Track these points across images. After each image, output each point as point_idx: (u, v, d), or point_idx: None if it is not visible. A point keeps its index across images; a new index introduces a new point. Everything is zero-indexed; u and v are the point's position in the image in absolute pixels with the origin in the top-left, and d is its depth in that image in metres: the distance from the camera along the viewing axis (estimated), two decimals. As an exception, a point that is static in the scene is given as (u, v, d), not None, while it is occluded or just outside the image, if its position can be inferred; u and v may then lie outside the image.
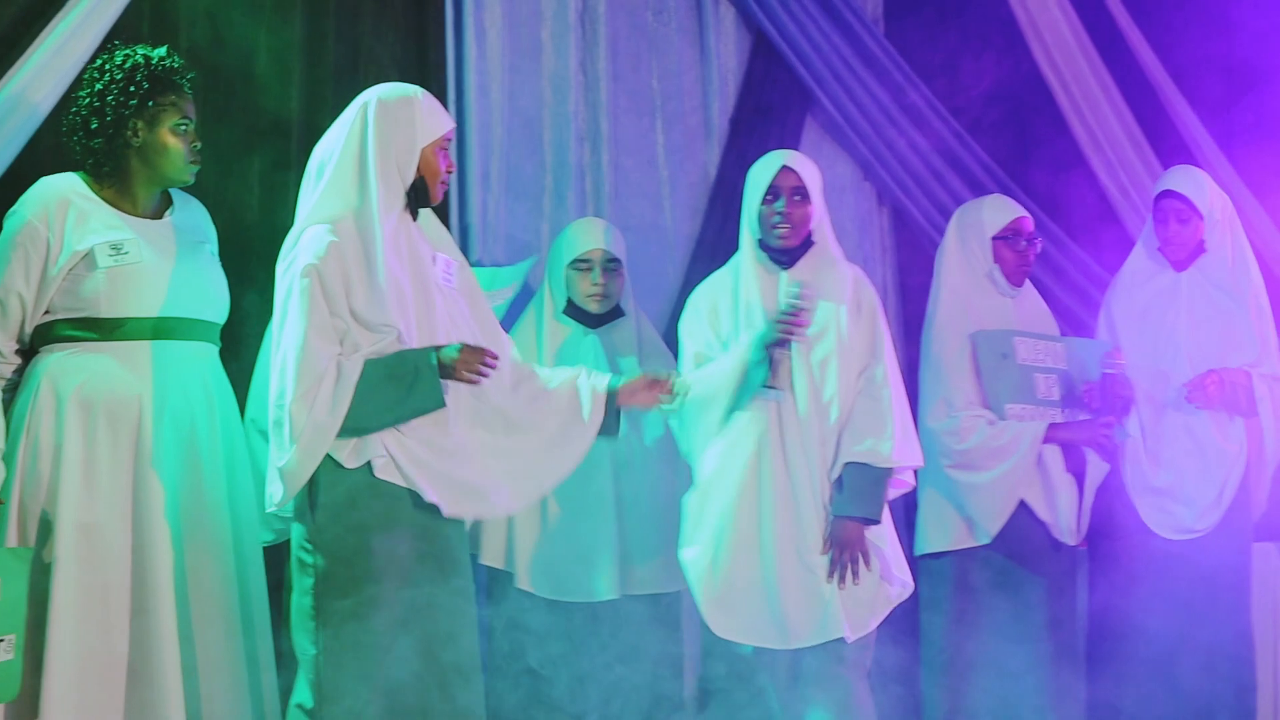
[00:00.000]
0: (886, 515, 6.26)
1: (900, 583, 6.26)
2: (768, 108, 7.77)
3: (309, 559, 5.57)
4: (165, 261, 5.92)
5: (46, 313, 5.88)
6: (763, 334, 6.09)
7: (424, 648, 5.57)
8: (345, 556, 5.53)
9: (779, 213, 6.27)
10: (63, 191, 5.90)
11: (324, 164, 5.68)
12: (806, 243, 6.37)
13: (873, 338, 6.31)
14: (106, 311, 5.85)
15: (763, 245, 6.38)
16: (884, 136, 7.88)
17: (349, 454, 5.54)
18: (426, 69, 7.18)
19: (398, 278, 5.55)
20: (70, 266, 5.83)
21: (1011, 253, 6.90)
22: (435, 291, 5.65)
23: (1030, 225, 6.93)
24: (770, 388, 6.01)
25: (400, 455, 5.56)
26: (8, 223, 5.89)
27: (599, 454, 6.33)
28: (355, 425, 5.48)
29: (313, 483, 5.54)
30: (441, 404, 5.53)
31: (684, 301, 7.05)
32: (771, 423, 6.19)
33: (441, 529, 5.63)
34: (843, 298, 6.30)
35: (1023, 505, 6.79)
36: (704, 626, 6.24)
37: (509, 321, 6.79)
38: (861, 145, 7.87)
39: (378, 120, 5.64)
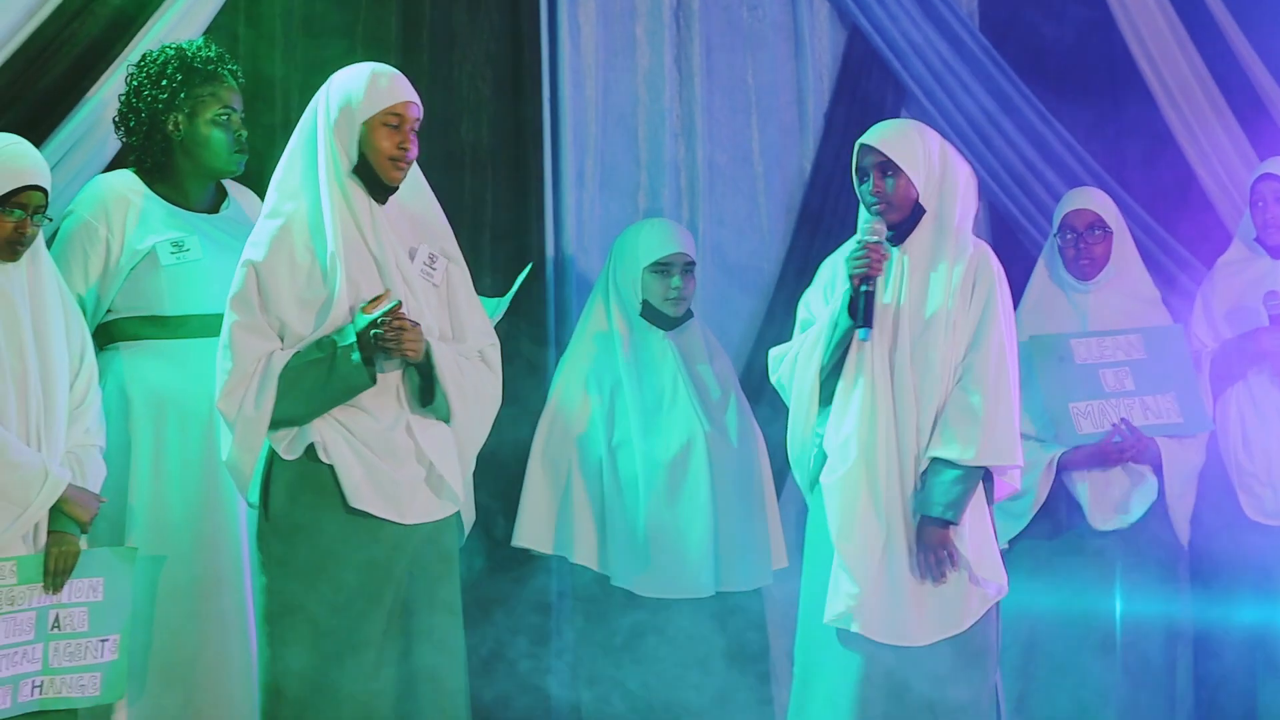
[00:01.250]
0: (981, 514, 5.83)
1: (995, 586, 5.85)
2: (863, 103, 7.64)
3: (260, 555, 5.47)
4: (225, 256, 5.80)
5: (110, 311, 5.85)
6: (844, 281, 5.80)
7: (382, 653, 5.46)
8: (290, 549, 5.41)
9: (870, 192, 5.86)
10: (119, 190, 5.88)
11: (289, 150, 5.54)
12: (915, 215, 5.90)
13: (978, 323, 5.85)
14: (170, 309, 5.84)
15: None
16: (979, 131, 7.75)
17: (286, 446, 5.40)
18: (521, 65, 7.11)
19: (349, 268, 5.38)
20: (132, 265, 5.77)
21: (1070, 248, 6.80)
22: (400, 283, 5.45)
23: (1087, 219, 6.80)
24: (857, 326, 5.71)
25: (329, 443, 5.41)
26: (65, 222, 5.88)
27: (696, 450, 6.36)
28: (285, 417, 5.38)
29: (265, 475, 5.48)
30: (369, 382, 5.38)
31: (778, 298, 7.19)
32: (881, 408, 5.78)
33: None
34: (952, 273, 5.87)
35: (1067, 494, 6.70)
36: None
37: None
38: (957, 140, 7.63)
39: (327, 99, 5.49)
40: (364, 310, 5.35)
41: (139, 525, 5.76)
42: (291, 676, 5.38)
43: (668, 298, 6.57)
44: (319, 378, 5.32)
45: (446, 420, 5.50)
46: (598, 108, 7.32)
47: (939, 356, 5.82)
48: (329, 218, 5.38)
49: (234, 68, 5.94)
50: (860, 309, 5.61)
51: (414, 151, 5.48)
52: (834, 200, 7.39)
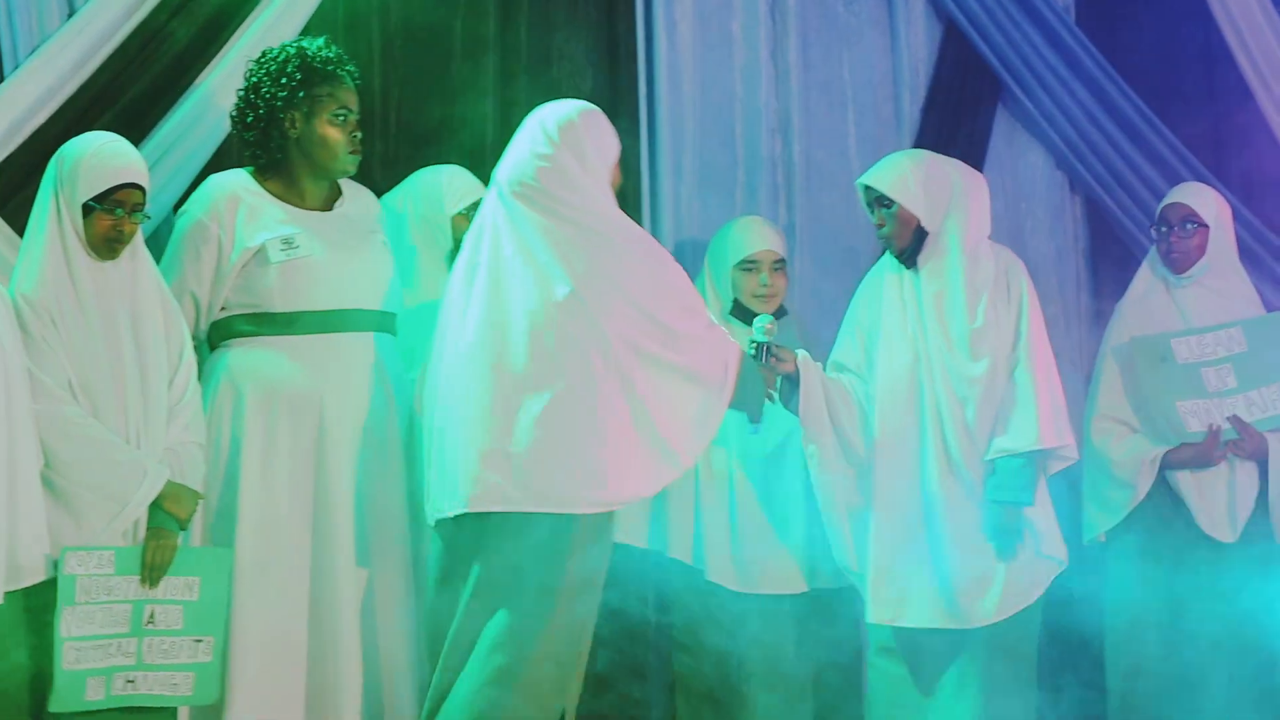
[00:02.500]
0: (1043, 491, 6.15)
1: (1057, 559, 6.15)
2: (958, 97, 7.54)
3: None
4: (337, 254, 5.82)
5: (222, 309, 5.82)
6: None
7: None
8: None
9: (875, 225, 6.29)
10: (231, 188, 5.82)
11: None
12: (921, 237, 6.19)
13: (1018, 321, 6.16)
14: (280, 306, 5.77)
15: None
16: (1076, 125, 7.58)
17: None
18: (617, 62, 7.04)
19: None
20: (243, 263, 5.76)
21: (1163, 242, 6.65)
22: None
23: (1181, 213, 6.64)
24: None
25: None
26: (179, 221, 5.85)
27: (792, 448, 6.26)
28: None
29: None
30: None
31: None
32: (929, 410, 6.13)
33: None
34: (979, 288, 6.14)
35: (1170, 491, 6.54)
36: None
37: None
38: (1053, 134, 7.60)
39: None
40: None
41: (248, 521, 5.69)
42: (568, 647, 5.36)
43: (756, 295, 6.45)
44: None
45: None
46: (694, 104, 7.23)
47: (973, 360, 6.11)
48: None
49: (352, 69, 5.88)
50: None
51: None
52: None
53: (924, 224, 6.16)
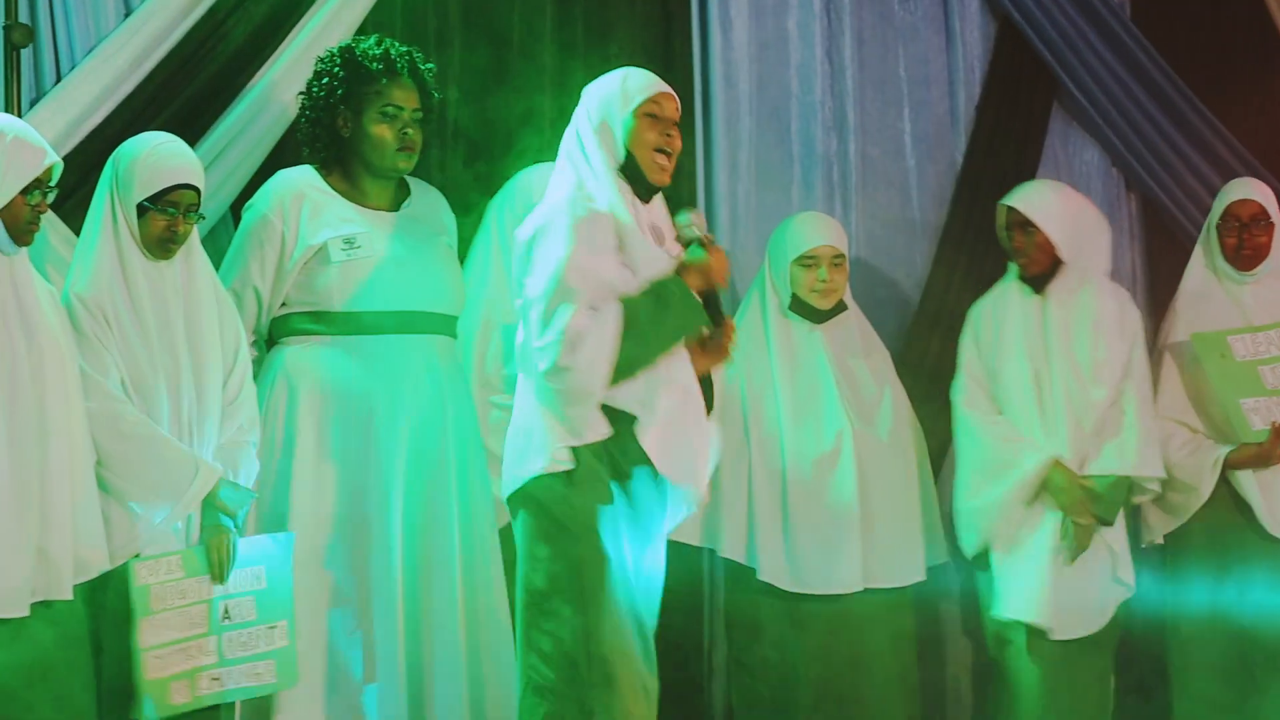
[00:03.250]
0: (1121, 519, 6.31)
1: (1128, 585, 6.32)
2: (1014, 95, 7.43)
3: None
4: (399, 254, 5.75)
5: (283, 305, 5.76)
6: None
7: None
8: None
9: (1013, 247, 6.38)
10: (297, 185, 5.77)
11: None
12: (1054, 265, 6.33)
13: (1129, 357, 6.34)
14: (340, 305, 5.70)
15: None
16: (1131, 122, 7.48)
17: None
18: (672, 59, 6.91)
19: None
20: (305, 260, 5.70)
21: (1232, 238, 6.52)
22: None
23: (1251, 209, 6.53)
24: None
25: None
26: (245, 216, 5.81)
27: (844, 445, 6.23)
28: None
29: None
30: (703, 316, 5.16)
31: (930, 291, 7.24)
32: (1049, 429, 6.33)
33: None
34: (1102, 321, 6.33)
35: (1232, 493, 6.43)
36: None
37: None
38: (1109, 131, 7.49)
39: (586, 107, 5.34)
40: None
41: (301, 519, 5.64)
42: (602, 640, 5.09)
43: (814, 290, 6.33)
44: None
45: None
46: (751, 101, 7.12)
47: (1096, 386, 6.28)
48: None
49: (408, 65, 5.80)
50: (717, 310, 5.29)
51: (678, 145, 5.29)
52: (985, 192, 7.08)
53: (1061, 253, 6.29)
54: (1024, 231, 6.33)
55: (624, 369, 5.06)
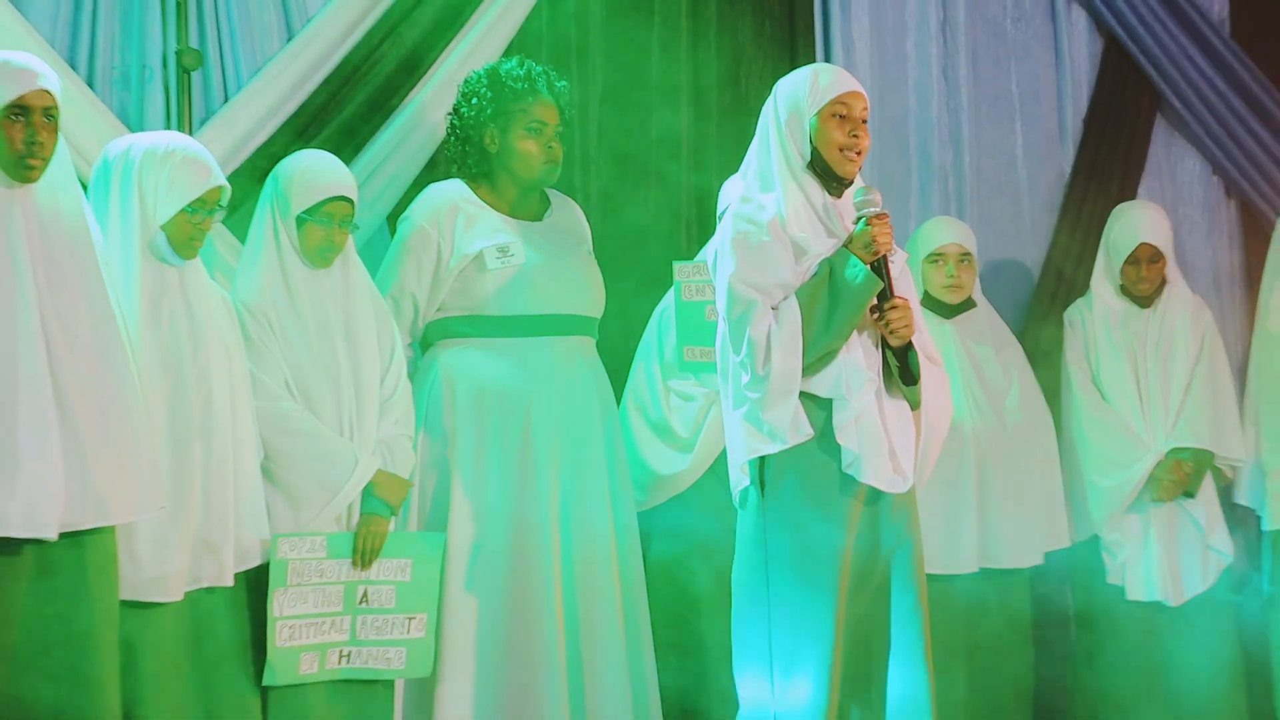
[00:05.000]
0: (1210, 494, 6.41)
1: (1223, 554, 6.37)
2: (1119, 108, 7.26)
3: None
4: (546, 261, 5.68)
5: (439, 310, 5.68)
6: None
7: None
8: None
9: (1141, 277, 6.48)
10: (451, 197, 5.71)
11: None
12: (1161, 287, 6.50)
13: (1200, 348, 6.49)
14: (494, 309, 5.63)
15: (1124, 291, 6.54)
16: (1230, 132, 7.25)
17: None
18: None
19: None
20: (461, 268, 5.62)
21: None
22: None
23: None
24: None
25: None
26: (401, 227, 5.73)
27: (964, 431, 6.18)
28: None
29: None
30: (877, 281, 4.80)
31: (1040, 292, 7.10)
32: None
33: None
34: (1184, 325, 6.49)
35: None
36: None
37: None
38: (1209, 141, 7.28)
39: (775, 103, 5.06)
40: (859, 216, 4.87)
41: (460, 509, 5.57)
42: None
43: (944, 286, 6.31)
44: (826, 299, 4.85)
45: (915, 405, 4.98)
46: (872, 117, 6.70)
47: (1184, 380, 6.46)
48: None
49: (547, 84, 5.72)
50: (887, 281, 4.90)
51: (866, 141, 4.99)
52: (1092, 201, 7.04)
53: (1169, 277, 6.50)
54: (1153, 262, 6.43)
55: (815, 354, 4.81)
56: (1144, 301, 6.45)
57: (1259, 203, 7.28)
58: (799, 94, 4.97)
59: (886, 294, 4.83)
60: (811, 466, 4.81)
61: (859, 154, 4.94)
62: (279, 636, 5.16)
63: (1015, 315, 6.97)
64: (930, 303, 6.28)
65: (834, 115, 4.92)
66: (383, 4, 6.06)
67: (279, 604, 5.16)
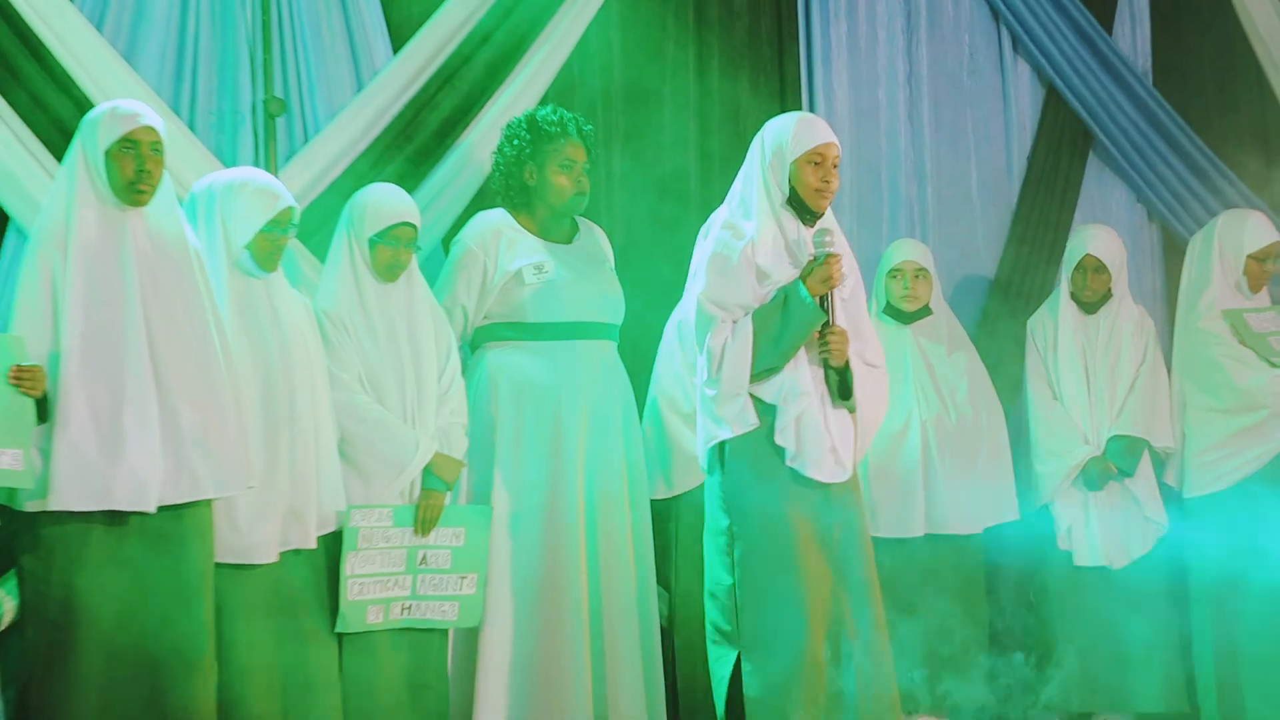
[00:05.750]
0: (1148, 472, 6.51)
1: (1158, 523, 6.48)
2: (1057, 147, 7.43)
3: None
4: (576, 277, 5.83)
5: (485, 318, 5.82)
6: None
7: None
8: None
9: (1085, 285, 6.57)
10: (495, 224, 5.85)
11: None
12: (1106, 296, 6.60)
13: (1144, 353, 6.56)
14: (533, 317, 5.78)
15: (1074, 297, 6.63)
16: (1153, 167, 7.50)
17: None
18: None
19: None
20: (504, 283, 5.76)
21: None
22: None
23: None
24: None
25: None
26: (453, 249, 5.88)
27: (911, 423, 6.34)
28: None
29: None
30: (821, 315, 5.12)
31: (990, 303, 7.21)
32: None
33: None
34: (1128, 330, 6.56)
35: None
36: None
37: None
38: (1135, 174, 7.52)
39: (762, 143, 5.33)
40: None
41: (501, 488, 5.73)
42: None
43: (901, 296, 6.47)
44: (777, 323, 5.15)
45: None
46: (849, 154, 7.04)
47: (1121, 381, 6.55)
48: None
49: (576, 128, 5.86)
50: (830, 313, 5.22)
51: (835, 183, 5.25)
52: (1034, 226, 7.26)
53: (1115, 289, 6.58)
54: (1097, 272, 6.52)
55: (762, 367, 5.12)
56: (1090, 308, 6.55)
57: (1177, 227, 7.47)
58: (783, 140, 5.22)
59: (829, 324, 5.14)
60: (762, 454, 5.15)
61: (830, 193, 5.22)
62: (350, 591, 5.34)
63: (972, 321, 7.06)
64: (891, 311, 6.47)
65: (810, 162, 5.19)
66: (440, 58, 6.14)
67: (350, 564, 5.33)
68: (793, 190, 5.21)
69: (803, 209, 5.23)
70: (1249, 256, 6.57)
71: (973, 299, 7.24)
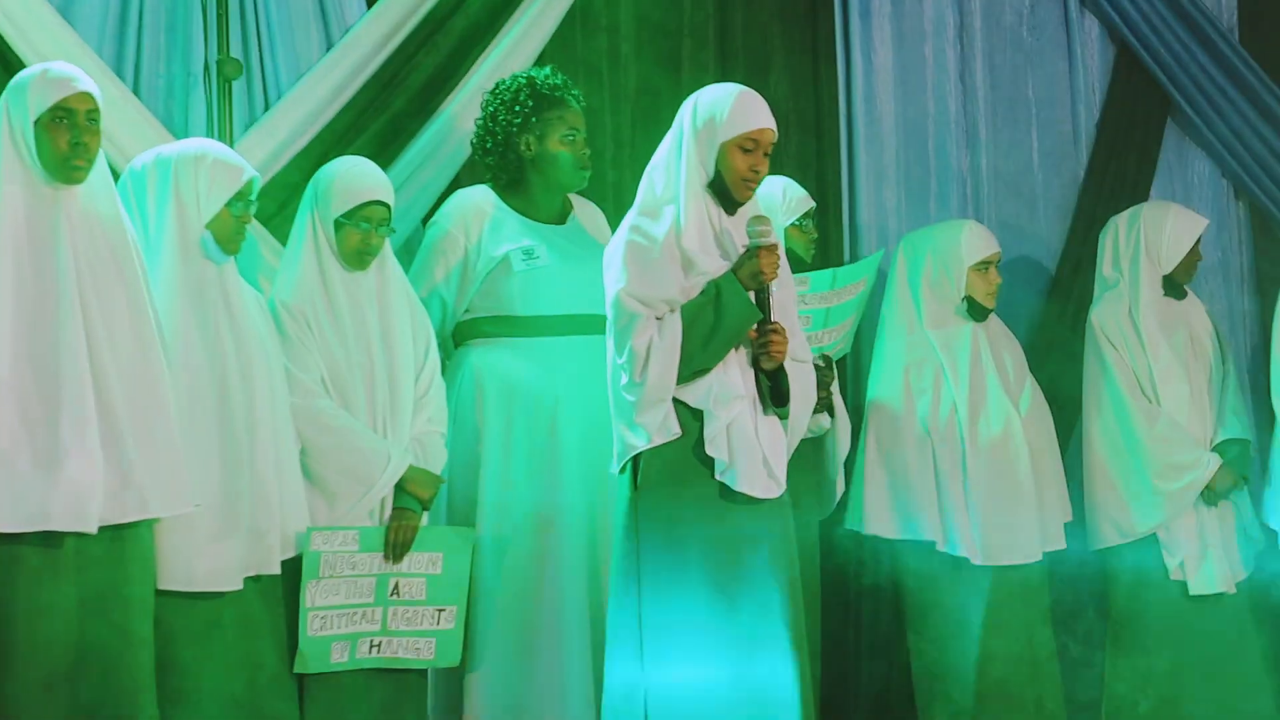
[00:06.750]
0: None
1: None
2: (1131, 114, 7.10)
3: None
4: (569, 263, 5.57)
5: (468, 311, 5.59)
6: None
7: None
8: None
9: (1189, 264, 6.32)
10: (477, 202, 5.62)
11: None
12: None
13: (1220, 338, 6.43)
14: (521, 310, 5.53)
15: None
16: (1240, 136, 7.10)
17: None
18: (820, 83, 6.72)
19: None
20: (488, 270, 5.53)
21: None
22: None
23: None
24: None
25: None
26: (429, 232, 5.66)
27: (1012, 428, 6.07)
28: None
29: None
30: (756, 312, 4.86)
31: (1053, 294, 6.91)
32: None
33: None
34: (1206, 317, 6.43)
35: None
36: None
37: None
38: (1219, 144, 7.13)
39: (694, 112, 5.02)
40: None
41: (488, 506, 5.48)
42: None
43: (989, 292, 6.13)
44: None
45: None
46: (894, 120, 6.87)
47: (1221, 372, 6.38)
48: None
49: (577, 93, 5.62)
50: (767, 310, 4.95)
51: (764, 170, 5.00)
52: (1105, 204, 6.86)
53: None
54: (1192, 254, 6.26)
55: (691, 369, 4.86)
56: (1180, 293, 6.32)
57: (1266, 203, 7.11)
58: (716, 118, 4.96)
59: (766, 321, 4.88)
60: (684, 467, 4.87)
61: (757, 183, 4.98)
62: (310, 626, 5.07)
63: (1028, 315, 6.83)
64: (971, 308, 6.10)
65: (742, 146, 4.93)
66: (419, 13, 5.94)
67: (311, 595, 5.06)
68: (718, 173, 4.96)
69: (726, 196, 4.98)
70: None
71: (1033, 289, 6.97)
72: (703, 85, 6.02)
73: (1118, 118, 7.07)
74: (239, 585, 4.88)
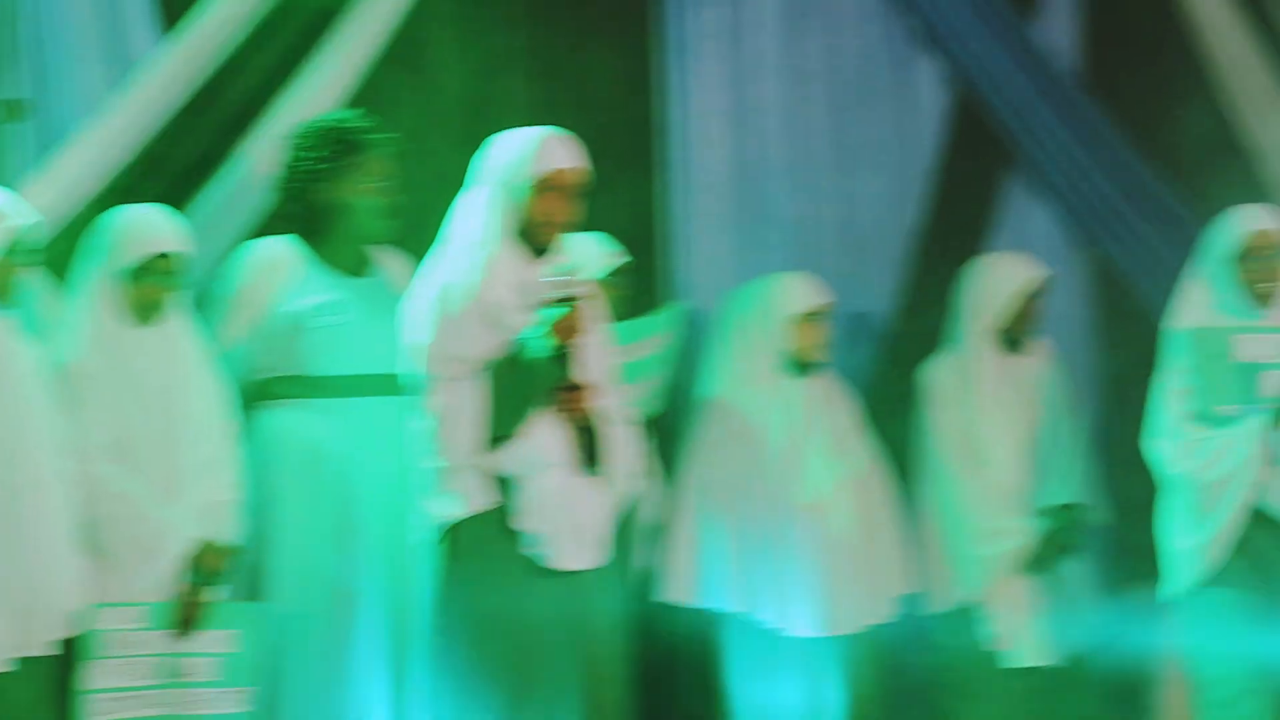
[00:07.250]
0: None
1: None
2: (967, 161, 7.03)
3: None
4: (369, 319, 5.36)
5: (264, 370, 5.38)
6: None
7: None
8: None
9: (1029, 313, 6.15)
10: (272, 254, 5.41)
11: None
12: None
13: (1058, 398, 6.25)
14: (314, 369, 5.33)
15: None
16: (1077, 187, 7.03)
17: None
18: (651, 126, 6.69)
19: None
20: (280, 327, 5.32)
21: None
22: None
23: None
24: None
25: None
26: (225, 285, 5.43)
27: (840, 491, 5.96)
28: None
29: None
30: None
31: (891, 350, 6.80)
32: None
33: None
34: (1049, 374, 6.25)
35: None
36: None
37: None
38: (1058, 194, 7.07)
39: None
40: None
41: (282, 577, 5.29)
42: None
43: (817, 345, 5.95)
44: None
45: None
46: (727, 165, 6.75)
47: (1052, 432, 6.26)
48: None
49: (384, 136, 5.40)
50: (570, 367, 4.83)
51: (571, 214, 4.85)
52: (938, 253, 6.77)
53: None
54: (1035, 300, 6.09)
55: (497, 432, 4.72)
56: (1019, 348, 6.12)
57: (1108, 254, 7.03)
58: (517, 160, 4.81)
59: (568, 381, 4.73)
60: (495, 539, 4.72)
61: (563, 228, 4.84)
62: (91, 710, 4.84)
63: (859, 370, 6.67)
64: (795, 363, 5.91)
65: (546, 188, 4.78)
66: (216, 54, 5.70)
67: (90, 678, 4.85)
68: (526, 218, 4.83)
69: (533, 244, 4.83)
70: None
71: (870, 342, 6.84)
72: (525, 125, 5.90)
73: (953, 165, 6.99)
74: (6, 667, 4.61)
